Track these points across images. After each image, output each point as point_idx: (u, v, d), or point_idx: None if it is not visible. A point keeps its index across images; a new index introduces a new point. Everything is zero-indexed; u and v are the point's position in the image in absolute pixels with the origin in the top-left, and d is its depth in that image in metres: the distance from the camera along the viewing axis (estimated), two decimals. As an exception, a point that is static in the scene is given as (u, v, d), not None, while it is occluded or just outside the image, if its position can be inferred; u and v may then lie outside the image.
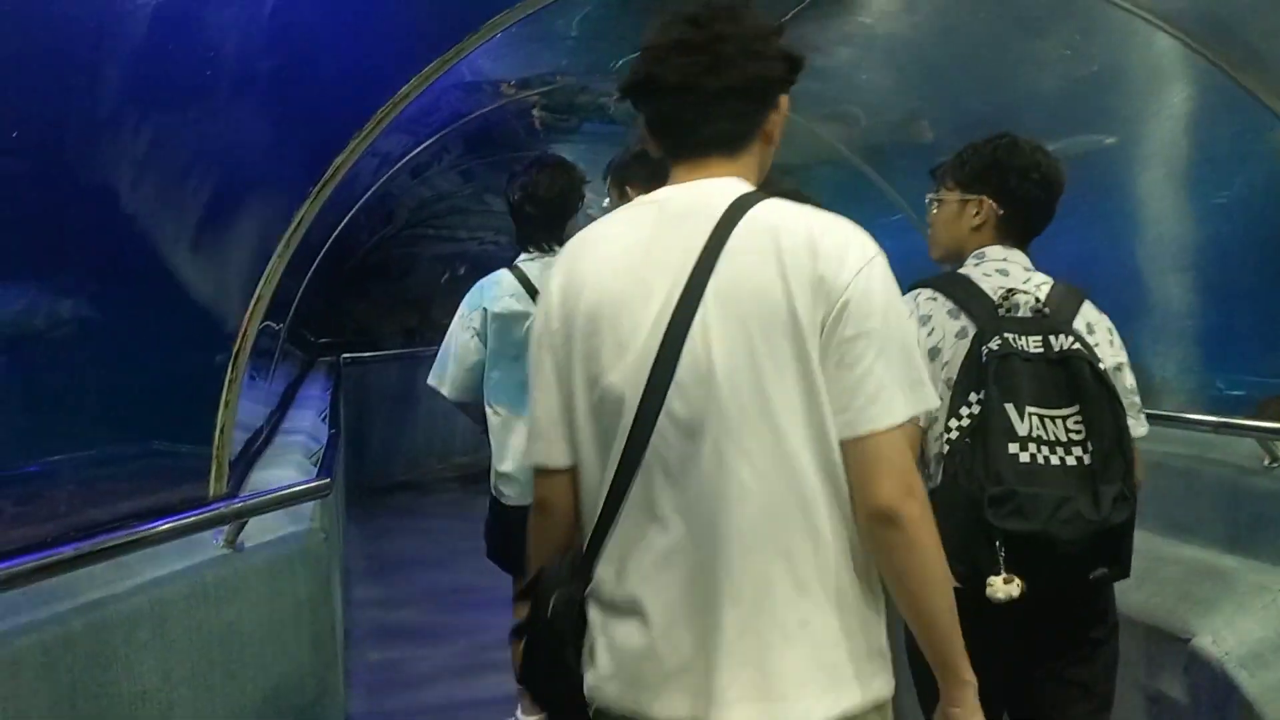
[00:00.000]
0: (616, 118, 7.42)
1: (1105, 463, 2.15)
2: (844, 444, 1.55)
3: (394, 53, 3.29)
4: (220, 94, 2.96)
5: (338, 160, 3.30)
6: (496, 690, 4.57)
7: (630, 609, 1.60)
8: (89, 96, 3.10)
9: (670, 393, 1.54)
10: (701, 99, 1.60)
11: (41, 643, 2.40)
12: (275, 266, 3.31)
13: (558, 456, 1.68)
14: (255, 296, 3.30)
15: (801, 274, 1.53)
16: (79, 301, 4.07)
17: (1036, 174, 2.46)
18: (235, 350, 3.32)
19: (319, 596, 3.33)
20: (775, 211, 1.60)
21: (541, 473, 1.71)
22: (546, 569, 1.69)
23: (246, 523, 3.05)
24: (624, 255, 1.62)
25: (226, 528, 2.98)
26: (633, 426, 1.56)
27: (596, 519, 1.63)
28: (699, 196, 1.63)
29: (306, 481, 3.34)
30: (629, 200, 1.89)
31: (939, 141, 5.59)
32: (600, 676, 1.64)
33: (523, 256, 3.90)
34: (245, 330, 3.32)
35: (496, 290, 3.81)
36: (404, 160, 6.95)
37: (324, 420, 5.43)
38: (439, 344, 3.99)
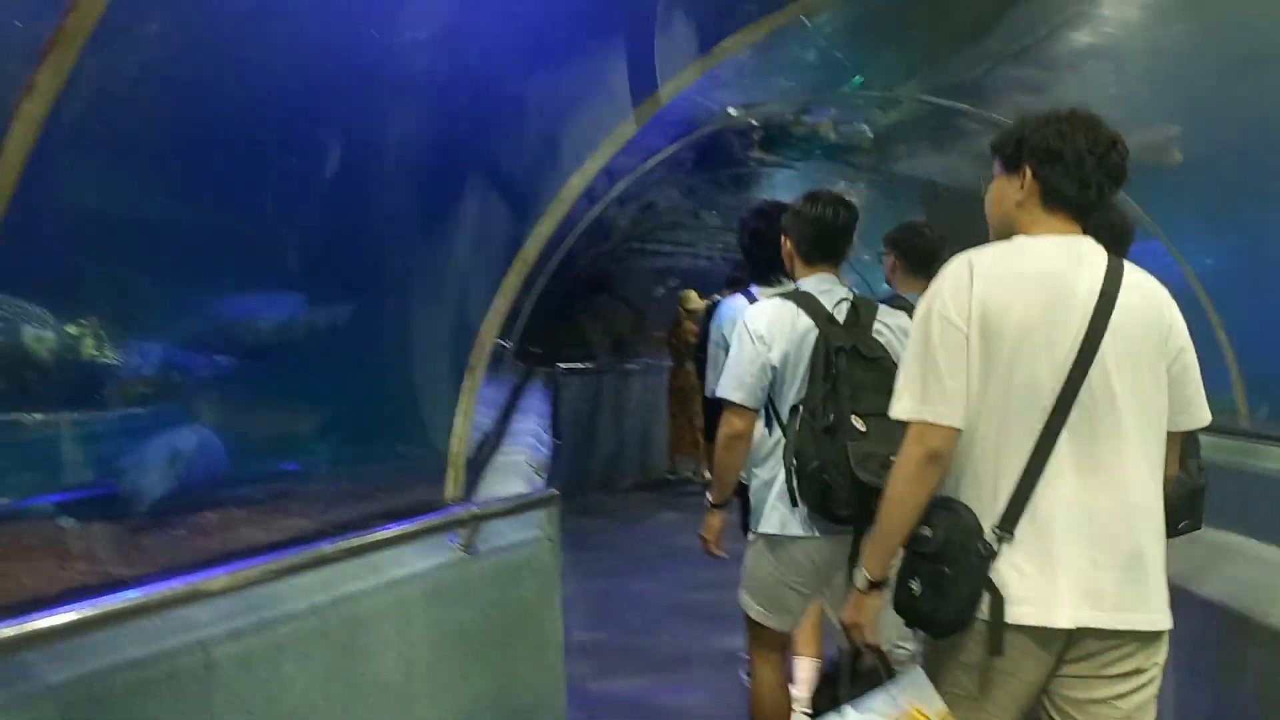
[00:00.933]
0: (833, 144, 7.39)
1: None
2: (1172, 433, 2.30)
3: (627, 76, 3.37)
4: (468, 118, 3.13)
5: (572, 180, 3.41)
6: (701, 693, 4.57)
7: (1041, 541, 2.15)
8: (355, 123, 3.35)
9: (1083, 386, 2.15)
10: (1099, 183, 2.25)
11: (301, 632, 2.59)
12: (511, 281, 3.46)
13: (960, 421, 2.18)
14: (492, 309, 3.45)
15: (1163, 318, 2.27)
16: (333, 312, 4.41)
17: None
18: (472, 360, 3.48)
19: (545, 603, 3.44)
20: (1136, 270, 2.29)
21: (942, 431, 2.18)
22: (962, 512, 2.18)
23: (480, 527, 3.18)
24: (1043, 283, 2.21)
25: (463, 531, 3.12)
26: (1054, 407, 2.15)
27: (1021, 473, 2.15)
28: (1084, 247, 2.27)
29: (537, 491, 3.47)
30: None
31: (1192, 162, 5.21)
32: (1015, 596, 2.14)
33: (755, 287, 4.15)
34: (482, 341, 3.48)
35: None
36: (627, 178, 7.13)
37: (546, 429, 5.63)
38: (647, 356, 4.12)
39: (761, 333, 3.14)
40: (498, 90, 3.10)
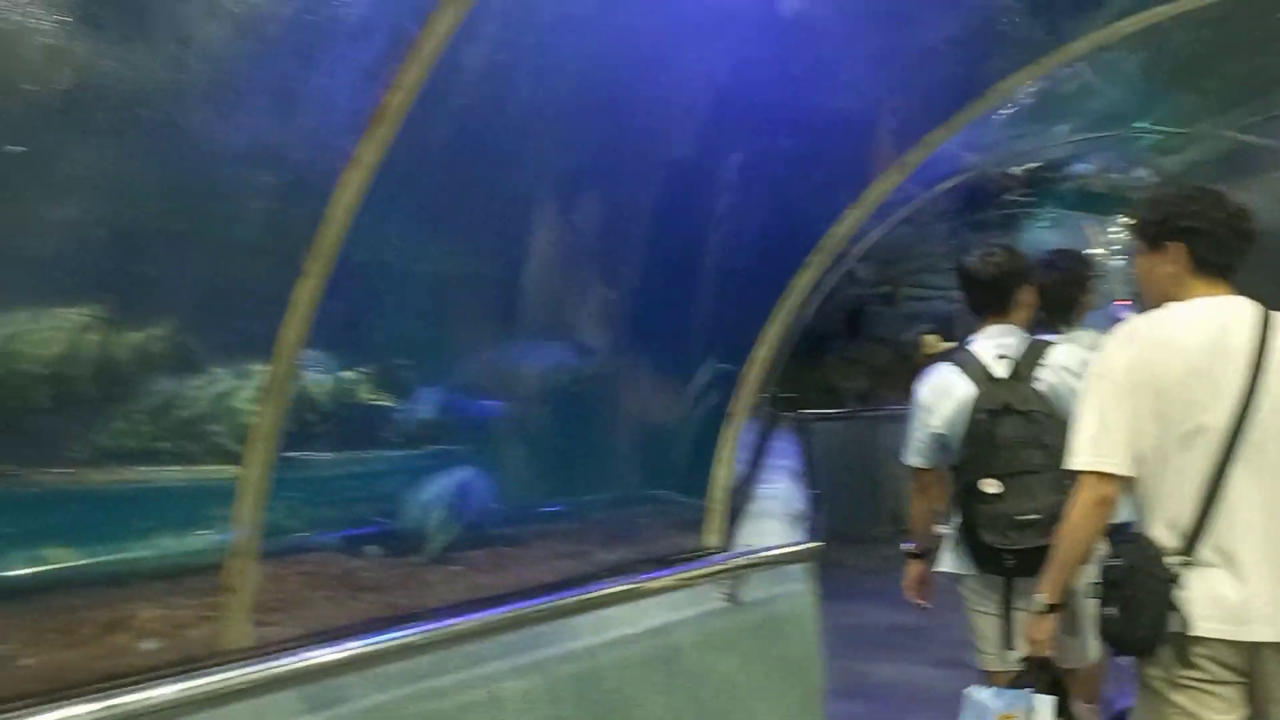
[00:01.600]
0: (1099, 194, 7.02)
1: None
2: None
3: (895, 124, 3.35)
4: (735, 170, 3.21)
5: (837, 229, 3.41)
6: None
7: (1224, 563, 2.38)
8: (621, 181, 3.50)
9: (1252, 425, 2.39)
10: (1237, 247, 2.56)
11: (577, 673, 2.70)
12: (774, 330, 3.48)
13: (1127, 469, 2.49)
14: (754, 357, 3.48)
15: None
16: (599, 360, 4.60)
17: None
18: (733, 408, 3.52)
19: (807, 658, 3.41)
20: None
21: (1111, 479, 2.49)
22: (1146, 543, 2.47)
23: (744, 578, 3.20)
24: (1203, 340, 2.47)
25: (727, 580, 3.15)
26: (1225, 445, 2.39)
27: (1200, 505, 2.40)
28: (1234, 305, 2.53)
29: (800, 543, 3.46)
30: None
31: None
32: (1202, 614, 2.37)
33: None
34: (743, 389, 3.52)
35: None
36: (884, 224, 7.04)
37: (799, 479, 5.59)
38: (899, 404, 4.06)
39: (924, 401, 3.37)
40: (763, 142, 3.15)
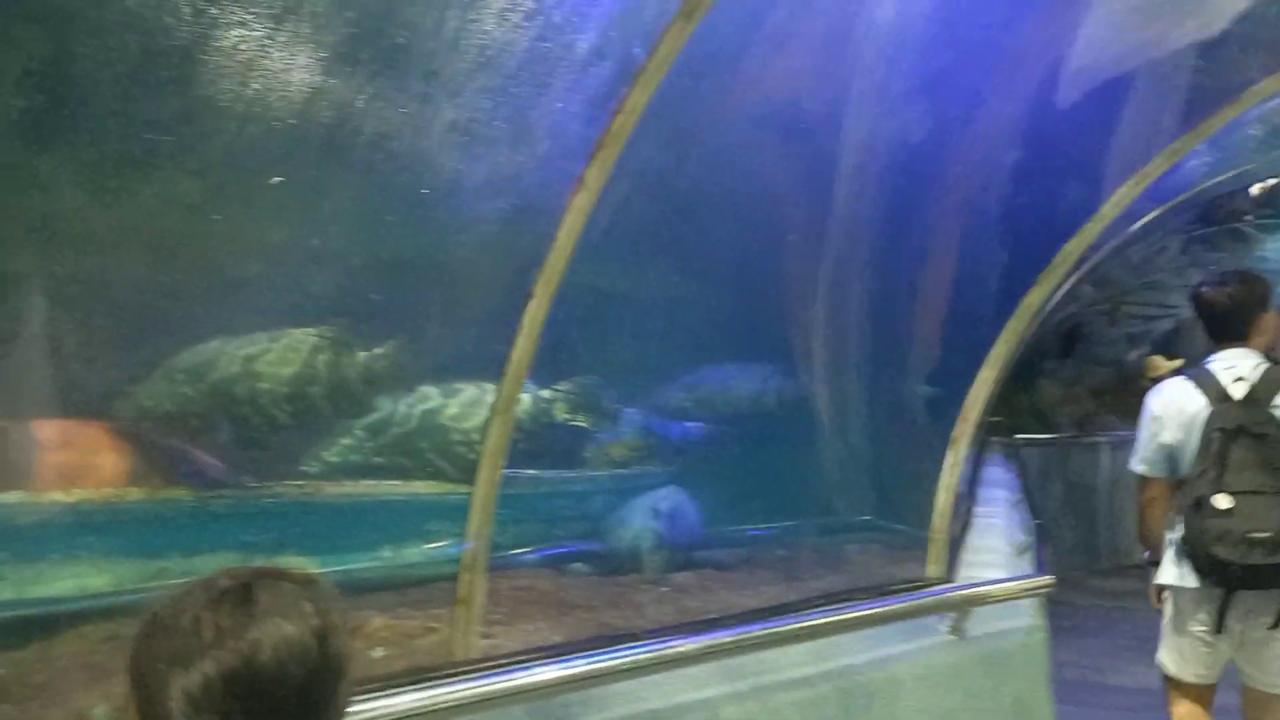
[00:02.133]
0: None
1: None
2: None
3: (1136, 132, 3.16)
4: (961, 191, 3.10)
5: (1068, 246, 3.24)
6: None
7: None
8: (827, 205, 3.46)
9: None
10: None
11: (797, 701, 2.65)
12: (999, 351, 3.34)
13: None
14: (978, 380, 3.35)
15: None
16: (805, 382, 4.55)
17: None
18: (956, 434, 3.39)
19: (1036, 699, 3.23)
20: None
21: None
22: None
23: (969, 611, 3.07)
24: None
25: (952, 613, 3.03)
26: None
27: None
28: None
29: (1030, 576, 3.29)
30: None
31: None
32: None
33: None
34: (966, 414, 3.39)
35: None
36: (1111, 242, 6.65)
37: (1017, 507, 5.33)
38: (1118, 429, 3.82)
39: (1156, 413, 3.37)
40: (993, 155, 3.04)
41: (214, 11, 1.86)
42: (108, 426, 3.50)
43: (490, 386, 4.58)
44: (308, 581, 1.17)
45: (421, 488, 4.45)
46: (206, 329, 3.58)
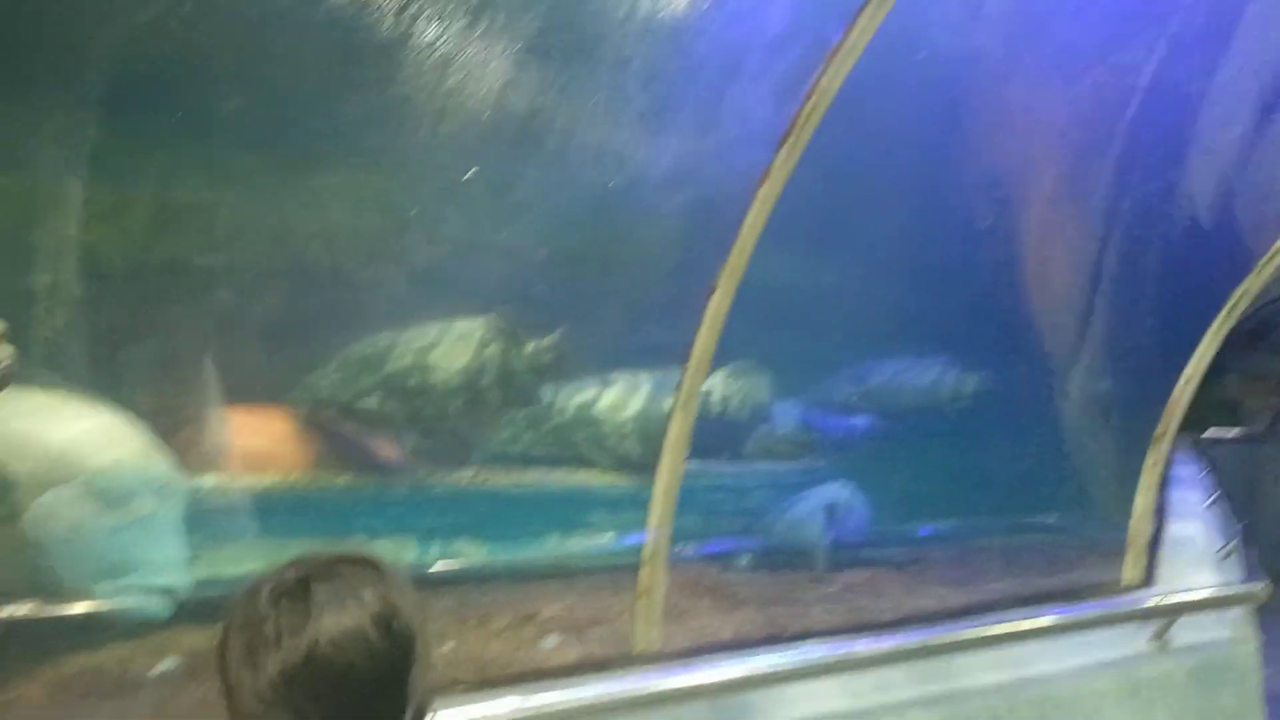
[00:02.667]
0: None
1: None
2: None
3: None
4: (1173, 172, 2.91)
5: (1287, 229, 2.99)
6: None
7: None
8: (1015, 193, 3.30)
9: None
10: None
11: (989, 709, 2.54)
12: (1206, 347, 3.12)
13: None
14: (1185, 375, 3.14)
15: None
16: (987, 377, 4.38)
17: None
18: (1159, 431, 3.20)
19: (1248, 714, 3.01)
20: None
21: None
22: None
23: (1173, 619, 2.89)
24: None
25: (1157, 623, 2.85)
26: None
27: None
28: None
29: (1241, 583, 3.06)
30: None
31: None
32: None
33: None
34: (1171, 410, 3.18)
35: None
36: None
37: (1214, 507, 5.00)
38: None
39: None
40: (1207, 137, 2.84)
41: (412, 9, 1.90)
42: (293, 415, 3.67)
43: (649, 377, 4.59)
44: (371, 565, 1.19)
45: (585, 478, 4.50)
46: (381, 321, 3.69)
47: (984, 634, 2.59)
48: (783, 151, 2.27)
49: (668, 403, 4.27)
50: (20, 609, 2.55)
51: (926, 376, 4.66)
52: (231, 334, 3.18)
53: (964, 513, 4.34)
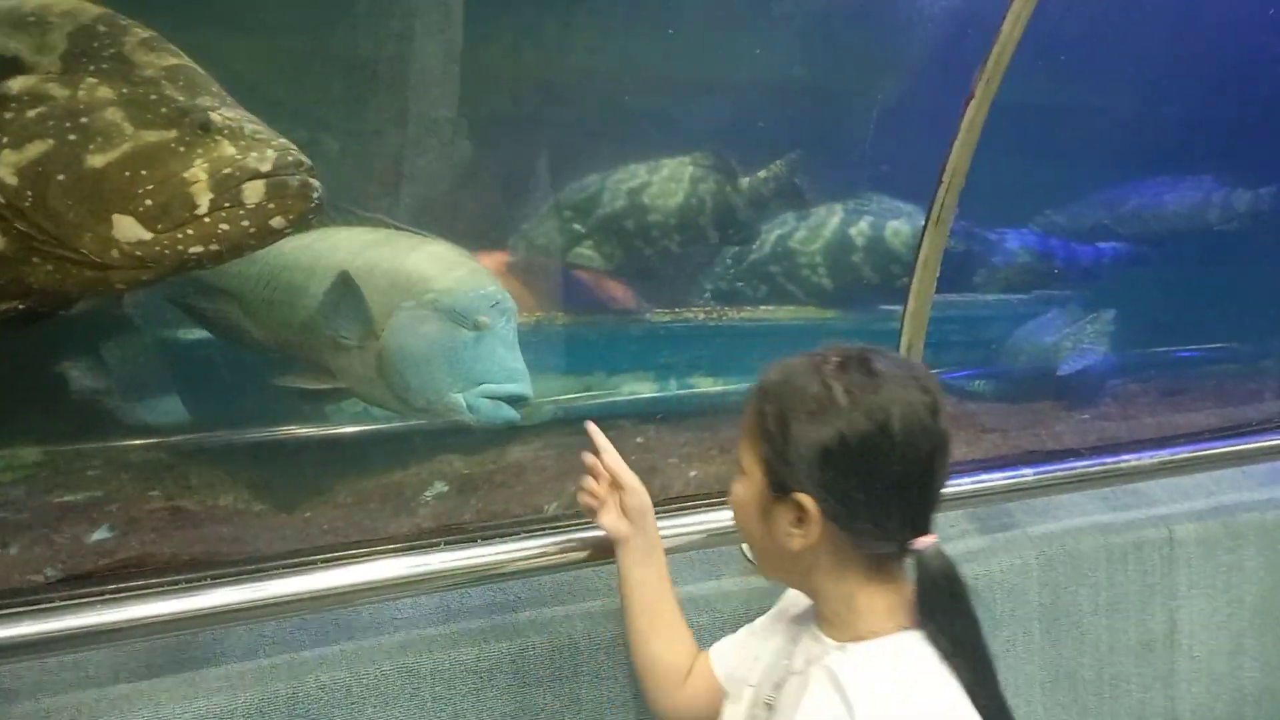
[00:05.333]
0: None
1: None
2: None
3: None
4: None
5: None
6: None
7: None
8: None
9: None
10: None
11: (1261, 524, 2.55)
12: None
13: None
14: None
15: None
16: (1257, 195, 4.13)
17: None
18: None
19: None
20: None
21: None
22: None
23: None
24: None
25: None
26: None
27: None
28: None
29: None
30: None
31: None
32: None
33: None
34: None
35: None
36: None
37: None
38: None
39: None
40: None
41: None
42: (528, 259, 3.90)
43: (887, 205, 4.55)
44: (906, 363, 1.30)
45: (813, 313, 4.57)
46: (588, 167, 3.83)
47: (1257, 448, 2.58)
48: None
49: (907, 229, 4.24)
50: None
51: (1191, 197, 4.43)
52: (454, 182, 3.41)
53: (1227, 337, 4.19)
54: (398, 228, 2.59)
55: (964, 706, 1.20)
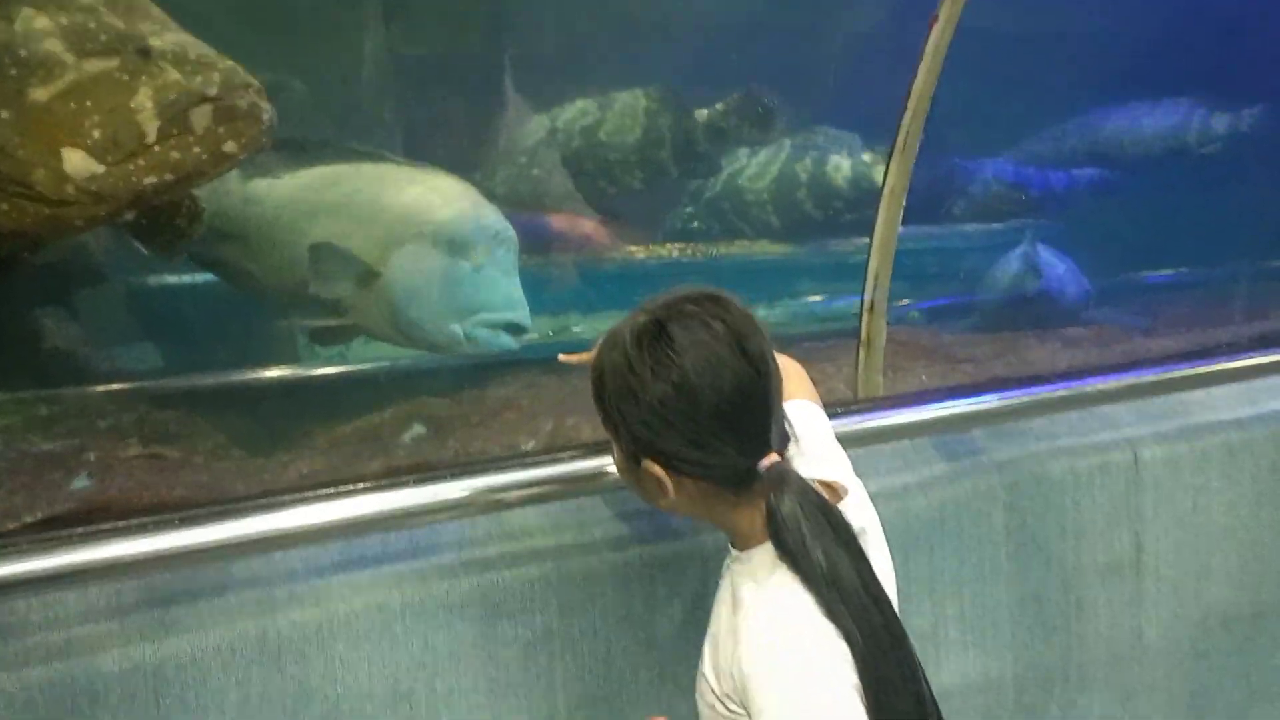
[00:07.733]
0: None
1: None
2: None
3: None
4: None
5: None
6: None
7: None
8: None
9: None
10: None
11: (1225, 444, 2.61)
12: None
13: None
14: None
15: None
16: (1234, 117, 4.15)
17: None
18: None
19: None
20: None
21: None
22: None
23: None
24: None
25: None
26: None
27: None
28: None
29: None
30: None
31: None
32: None
33: None
34: None
35: None
36: None
37: None
38: None
39: None
40: None
41: None
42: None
43: (851, 136, 4.52)
44: (712, 298, 1.39)
45: (787, 250, 4.58)
46: (533, 104, 3.80)
47: (1223, 369, 2.63)
48: None
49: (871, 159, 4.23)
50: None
51: (1168, 120, 4.44)
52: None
53: (1202, 260, 4.24)
54: (397, 162, 2.61)
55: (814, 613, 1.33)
